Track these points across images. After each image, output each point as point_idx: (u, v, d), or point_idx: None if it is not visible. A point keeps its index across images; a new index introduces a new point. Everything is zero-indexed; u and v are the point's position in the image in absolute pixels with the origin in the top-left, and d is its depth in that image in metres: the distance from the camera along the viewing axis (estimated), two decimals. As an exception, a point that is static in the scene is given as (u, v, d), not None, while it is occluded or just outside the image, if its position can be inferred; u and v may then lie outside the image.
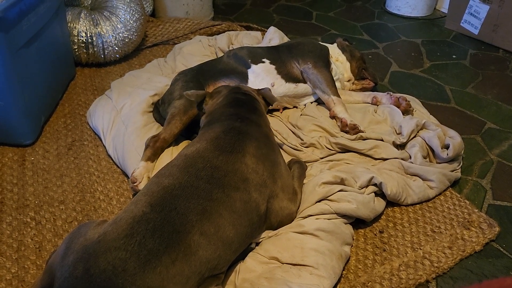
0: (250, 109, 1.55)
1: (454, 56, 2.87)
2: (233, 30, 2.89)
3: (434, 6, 3.46)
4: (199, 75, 2.02)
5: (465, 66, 2.76)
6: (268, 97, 1.72)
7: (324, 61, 2.12)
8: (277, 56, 2.12)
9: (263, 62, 2.07)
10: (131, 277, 1.08)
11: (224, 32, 2.88)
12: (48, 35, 2.07)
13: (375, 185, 1.66)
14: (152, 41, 2.81)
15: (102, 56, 2.50)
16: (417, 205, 1.74)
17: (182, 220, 1.19)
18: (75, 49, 2.45)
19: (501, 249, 1.58)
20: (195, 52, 2.47)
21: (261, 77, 2.04)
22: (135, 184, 1.61)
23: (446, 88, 2.53)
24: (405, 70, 2.71)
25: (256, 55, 2.10)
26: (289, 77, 2.08)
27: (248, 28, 2.99)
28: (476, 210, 1.71)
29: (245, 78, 2.04)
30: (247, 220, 1.32)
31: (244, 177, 1.33)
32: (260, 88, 1.93)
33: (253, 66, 2.06)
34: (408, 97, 2.21)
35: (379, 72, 2.66)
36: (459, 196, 1.78)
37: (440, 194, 1.78)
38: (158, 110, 1.99)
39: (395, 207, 1.72)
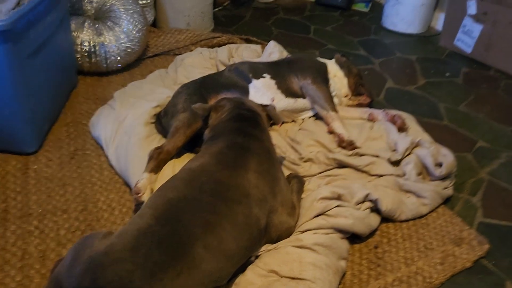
0: (253, 124, 1.60)
1: (447, 74, 2.94)
2: (233, 42, 2.95)
3: (429, 23, 3.55)
4: (201, 88, 2.07)
5: (458, 84, 2.84)
6: (273, 115, 1.77)
7: (322, 77, 2.18)
8: (277, 71, 2.17)
9: (264, 77, 2.13)
10: (137, 289, 1.12)
11: (224, 44, 2.93)
12: (53, 44, 2.11)
13: (371, 201, 1.72)
14: (153, 51, 2.85)
15: (105, 66, 2.54)
16: (411, 221, 1.79)
17: (187, 232, 1.24)
18: (78, 57, 2.49)
19: (491, 266, 1.64)
20: (197, 64, 2.52)
21: (262, 91, 2.10)
22: (138, 195, 1.65)
23: (439, 106, 2.60)
24: (400, 87, 2.78)
25: (257, 70, 2.16)
26: (289, 92, 2.14)
27: (248, 41, 3.04)
28: (467, 227, 1.77)
29: (246, 92, 2.09)
30: (248, 234, 1.37)
31: (246, 192, 1.38)
32: (262, 103, 2.00)
33: (254, 81, 2.11)
34: (404, 114, 2.27)
35: (375, 88, 2.72)
36: (451, 213, 1.84)
37: (432, 210, 1.84)
38: (160, 121, 2.03)
39: (389, 223, 1.78)
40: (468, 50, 3.13)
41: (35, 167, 1.93)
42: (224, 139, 1.51)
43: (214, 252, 1.26)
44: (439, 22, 3.53)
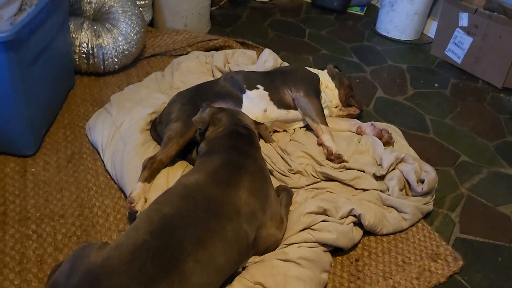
0: (248, 142, 1.68)
1: (436, 85, 3.03)
2: (229, 45, 3.00)
3: (422, 30, 3.62)
4: (196, 97, 2.13)
5: (446, 96, 2.93)
6: (264, 136, 1.86)
7: (315, 90, 2.25)
8: (271, 82, 2.24)
9: (258, 88, 2.19)
10: (132, 302, 1.21)
11: (220, 47, 2.99)
12: (53, 47, 2.16)
13: (354, 215, 1.81)
14: (150, 52, 2.90)
15: (102, 67, 2.58)
16: (392, 235, 1.89)
17: (179, 248, 1.32)
18: (76, 58, 2.53)
19: (464, 282, 1.74)
20: (193, 68, 2.57)
21: (255, 102, 2.16)
22: (132, 205, 1.73)
23: (426, 118, 2.69)
24: (389, 97, 2.86)
25: (251, 80, 2.22)
26: (281, 104, 2.21)
27: (243, 44, 3.10)
28: (444, 243, 1.88)
29: (239, 102, 2.16)
30: (237, 248, 1.46)
31: (237, 209, 1.46)
32: (253, 115, 2.08)
33: (248, 92, 2.18)
34: (391, 127, 2.37)
35: (365, 97, 2.80)
36: (429, 228, 1.94)
37: (413, 225, 1.94)
38: (156, 128, 2.10)
39: (371, 236, 1.87)
40: (458, 60, 3.22)
41: (33, 170, 2.00)
42: (219, 156, 1.58)
43: (204, 266, 1.34)
44: (431, 30, 3.60)
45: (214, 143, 1.67)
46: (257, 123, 1.88)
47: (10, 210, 1.80)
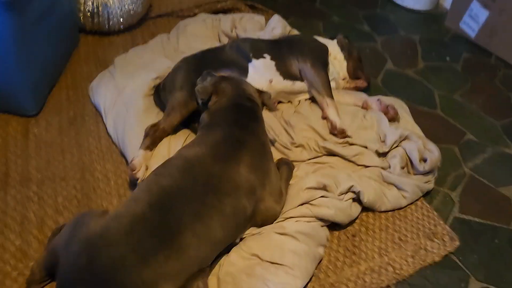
0: (251, 116, 1.66)
1: (448, 58, 2.95)
2: (237, 8, 2.93)
3: (438, 0, 3.50)
4: (201, 64, 2.09)
5: (457, 71, 2.86)
6: (268, 104, 1.82)
7: (322, 61, 2.20)
8: (277, 52, 2.19)
9: (264, 57, 2.15)
10: (128, 271, 1.23)
11: (229, 9, 2.91)
12: (57, 6, 2.12)
13: (354, 192, 1.81)
14: (156, 12, 2.83)
15: (107, 27, 2.54)
16: (390, 212, 1.89)
17: (177, 221, 1.33)
18: (80, 16, 2.48)
19: (458, 262, 1.76)
20: (198, 32, 2.51)
21: (261, 72, 2.12)
22: (133, 172, 1.73)
23: (434, 93, 2.64)
24: (399, 69, 2.80)
25: (258, 49, 2.17)
26: (287, 75, 2.17)
27: (252, 7, 3.01)
28: (442, 222, 1.88)
29: (245, 71, 2.12)
30: (235, 222, 1.47)
31: (236, 185, 1.46)
32: (258, 85, 2.04)
33: (254, 61, 2.13)
34: (398, 102, 2.33)
35: (373, 69, 2.74)
36: (428, 206, 1.94)
37: (412, 203, 1.94)
38: (159, 94, 2.08)
39: (369, 212, 1.88)
40: (472, 34, 3.12)
41: (35, 130, 2.00)
42: (221, 130, 1.57)
43: (201, 239, 1.36)
44: (447, 0, 3.47)
45: (216, 116, 1.65)
46: (260, 92, 1.85)
47: (12, 171, 1.81)
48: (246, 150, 1.53)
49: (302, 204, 1.71)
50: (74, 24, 2.43)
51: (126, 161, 1.90)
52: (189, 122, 2.00)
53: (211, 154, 1.49)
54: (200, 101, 1.76)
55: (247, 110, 1.68)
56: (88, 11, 2.45)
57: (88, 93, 2.21)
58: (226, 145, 1.52)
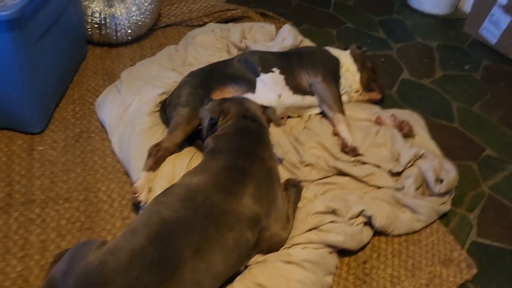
0: (256, 141, 1.59)
1: (466, 67, 2.84)
2: (247, 16, 2.86)
3: (457, 4, 3.37)
4: (207, 79, 2.03)
5: (476, 80, 2.75)
6: (273, 119, 1.75)
7: (333, 75, 2.13)
8: (287, 65, 2.12)
9: (273, 71, 2.08)
10: (125, 310, 1.18)
11: (239, 17, 2.85)
12: (63, 21, 2.08)
13: (365, 216, 1.74)
14: (165, 22, 2.78)
15: (114, 38, 2.50)
16: (403, 236, 1.81)
17: (177, 256, 1.28)
18: (88, 28, 2.44)
19: (475, 291, 1.68)
20: (207, 44, 2.46)
21: (269, 87, 2.06)
22: (135, 195, 1.69)
23: (452, 105, 2.53)
24: (415, 79, 2.70)
25: (267, 62, 2.10)
26: (297, 89, 2.10)
27: (263, 15, 2.94)
28: (459, 247, 1.79)
29: (253, 86, 2.05)
30: (237, 254, 1.41)
31: (240, 217, 1.40)
32: (266, 100, 1.98)
33: (262, 75, 2.06)
34: (413, 116, 2.24)
35: (389, 78, 2.65)
36: (444, 230, 1.85)
37: (427, 226, 1.86)
38: (165, 110, 2.03)
39: (381, 237, 1.80)
40: (493, 40, 3.00)
41: (40, 148, 1.97)
42: (224, 158, 1.51)
43: (202, 274, 1.30)
44: (467, 4, 3.35)
45: (220, 141, 1.59)
46: (264, 108, 1.78)
47: (15, 192, 1.78)
48: (250, 180, 1.47)
49: (310, 230, 1.65)
50: (82, 36, 2.40)
51: (131, 181, 1.85)
52: (193, 138, 1.94)
53: (214, 184, 1.43)
54: (209, 123, 1.69)
55: (252, 134, 1.61)
56: (96, 23, 2.41)
57: (94, 109, 2.17)
58: (229, 175, 1.46)
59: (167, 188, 1.49)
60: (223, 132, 1.62)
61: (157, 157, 1.79)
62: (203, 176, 1.45)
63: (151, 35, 2.70)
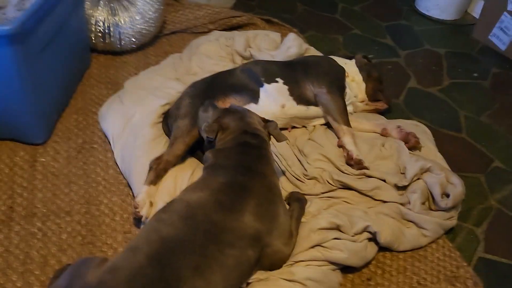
0: (257, 156, 1.57)
1: (475, 75, 2.79)
2: (253, 23, 2.84)
3: (465, 9, 3.32)
4: (209, 90, 2.01)
5: (485, 88, 2.70)
6: (275, 135, 1.72)
7: (338, 86, 2.10)
8: (291, 75, 2.09)
9: (277, 81, 2.05)
10: (123, 332, 1.17)
11: (244, 24, 2.83)
12: (66, 30, 2.07)
13: (370, 232, 1.71)
14: (170, 29, 2.76)
15: (119, 46, 2.48)
16: (409, 252, 1.78)
17: (176, 276, 1.26)
18: (92, 37, 2.43)
19: (482, 310, 1.64)
20: (211, 53, 2.44)
21: (273, 97, 2.03)
22: (136, 210, 1.67)
23: (460, 114, 2.49)
24: (422, 88, 2.65)
25: (270, 72, 2.08)
26: (301, 99, 2.07)
27: (269, 22, 2.92)
28: (465, 264, 1.76)
29: (256, 96, 2.03)
30: (238, 273, 1.39)
31: (240, 235, 1.38)
32: (269, 110, 1.96)
33: (266, 85, 2.04)
34: (420, 127, 2.21)
35: (395, 87, 2.61)
36: (450, 246, 1.82)
37: (433, 241, 1.82)
38: (167, 121, 2.01)
39: (386, 252, 1.77)
40: (502, 47, 2.95)
41: (43, 160, 1.96)
42: (225, 175, 1.48)
43: (202, 294, 1.28)
44: (476, 9, 3.30)
45: (220, 156, 1.56)
46: (266, 121, 1.76)
47: (17, 205, 1.78)
48: (251, 197, 1.45)
49: (313, 247, 1.62)
50: (85, 45, 2.39)
51: (133, 193, 1.84)
52: (196, 149, 1.92)
53: (214, 201, 1.41)
54: (206, 140, 1.68)
55: (253, 149, 1.58)
56: (99, 31, 2.40)
57: (97, 119, 2.16)
58: (230, 192, 1.44)
59: (167, 204, 1.48)
60: (223, 147, 1.60)
61: (158, 170, 1.77)
62: (203, 193, 1.43)
63: (156, 42, 2.69)
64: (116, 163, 1.97)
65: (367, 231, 1.71)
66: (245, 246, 1.38)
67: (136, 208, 1.67)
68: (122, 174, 1.93)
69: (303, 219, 1.72)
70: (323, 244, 1.63)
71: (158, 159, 1.79)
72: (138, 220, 1.73)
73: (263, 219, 1.44)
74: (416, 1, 3.39)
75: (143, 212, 1.67)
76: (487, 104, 2.58)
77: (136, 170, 1.84)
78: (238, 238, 1.37)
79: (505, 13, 2.86)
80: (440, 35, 3.15)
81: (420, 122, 2.31)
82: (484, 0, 3.08)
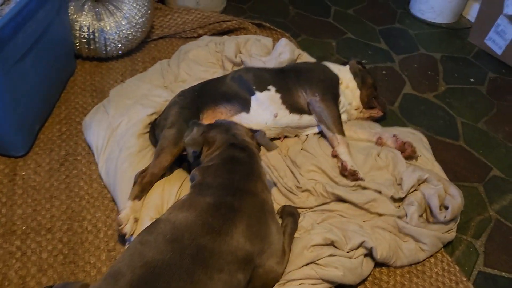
0: (247, 173, 1.48)
1: (471, 80, 2.73)
2: (244, 28, 2.75)
3: (461, 13, 3.26)
4: (198, 98, 1.93)
5: (481, 94, 2.64)
6: (264, 144, 1.64)
7: (332, 94, 2.02)
8: (283, 83, 2.02)
9: (269, 90, 1.98)
10: None
11: (235, 29, 2.75)
12: (48, 36, 1.97)
13: (365, 248, 1.64)
14: (158, 34, 2.68)
15: (104, 52, 2.40)
16: (406, 267, 1.71)
17: (160, 303, 1.18)
18: (76, 43, 2.34)
19: (482, 328, 1.57)
20: (201, 59, 2.35)
21: (265, 106, 1.96)
22: (120, 227, 1.58)
23: (457, 121, 2.43)
24: (418, 93, 2.59)
25: (262, 81, 2.00)
26: (294, 108, 1.99)
27: (260, 26, 2.84)
28: (465, 279, 1.69)
29: (247, 105, 1.95)
30: (228, 296, 1.31)
31: (230, 259, 1.29)
32: (261, 119, 1.89)
33: (257, 94, 1.96)
34: (416, 135, 2.14)
35: (390, 93, 2.55)
36: (449, 259, 1.75)
37: (431, 255, 1.75)
38: (155, 132, 1.93)
39: (383, 268, 1.70)
40: (498, 51, 2.89)
41: (23, 173, 1.87)
42: (213, 195, 1.39)
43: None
44: (471, 12, 3.25)
45: (208, 174, 1.47)
46: (253, 132, 1.68)
47: (-5, 222, 1.69)
48: (241, 217, 1.36)
49: (307, 264, 1.54)
50: (69, 51, 2.30)
51: (118, 208, 1.75)
52: (183, 160, 1.83)
53: (202, 223, 1.32)
54: (192, 155, 1.59)
55: (242, 165, 1.49)
56: (84, 37, 2.31)
57: (81, 129, 2.07)
58: (218, 214, 1.35)
59: (152, 224, 1.39)
60: (210, 164, 1.51)
61: (143, 184, 1.68)
62: (189, 213, 1.35)
63: (143, 48, 2.60)
64: (101, 176, 1.88)
65: (363, 247, 1.63)
66: (235, 270, 1.30)
67: (119, 225, 1.58)
68: (106, 188, 1.85)
69: (296, 234, 1.65)
70: (317, 262, 1.55)
71: (143, 172, 1.71)
72: (123, 237, 1.65)
73: (254, 240, 1.36)
74: (411, 4, 3.33)
75: (127, 229, 1.58)
76: (485, 110, 2.52)
77: (121, 184, 1.75)
78: (228, 262, 1.28)
79: (501, 16, 2.81)
80: (435, 39, 3.09)
81: (416, 129, 2.25)
82: (479, 3, 3.02)
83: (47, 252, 1.62)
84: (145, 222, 1.59)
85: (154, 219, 1.46)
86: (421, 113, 2.45)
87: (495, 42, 2.89)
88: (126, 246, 1.60)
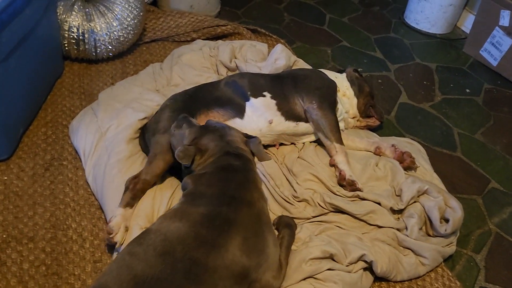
0: (242, 182, 1.40)
1: (467, 90, 2.70)
2: (238, 33, 2.70)
3: (455, 23, 3.25)
4: (191, 103, 1.86)
5: (477, 105, 2.61)
6: (257, 153, 1.57)
7: (330, 101, 1.97)
8: (279, 89, 1.95)
9: (264, 96, 1.91)
10: None
11: (229, 34, 2.69)
12: (35, 36, 1.89)
13: (365, 261, 1.57)
14: (150, 36, 2.61)
15: (94, 54, 2.31)
16: (406, 282, 1.65)
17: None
18: (65, 44, 2.26)
19: None
20: (194, 63, 2.28)
21: (260, 112, 1.89)
22: (110, 236, 1.49)
23: (454, 132, 2.39)
24: (414, 103, 2.55)
25: (257, 86, 1.94)
26: (290, 115, 1.93)
27: (255, 32, 2.78)
28: (466, 295, 1.64)
29: (241, 111, 1.89)
30: (222, 313, 1.23)
31: (225, 274, 1.21)
32: (256, 126, 1.83)
33: (252, 100, 1.90)
34: (414, 145, 2.10)
35: (386, 102, 2.51)
36: (450, 274, 1.69)
37: (431, 270, 1.69)
38: (145, 136, 1.84)
39: (382, 282, 1.63)
40: (494, 63, 2.87)
41: (5, 178, 1.78)
42: (207, 205, 1.31)
43: None
44: (466, 23, 3.23)
45: (201, 183, 1.39)
46: (247, 137, 1.61)
47: (-27, 229, 1.59)
48: (237, 230, 1.28)
49: (304, 279, 1.47)
50: (57, 52, 2.21)
51: (106, 217, 1.66)
52: (175, 167, 1.75)
53: (195, 236, 1.23)
54: (183, 166, 1.51)
55: (237, 173, 1.42)
56: (73, 38, 2.23)
57: (68, 133, 1.98)
58: (212, 226, 1.27)
59: (141, 233, 1.31)
60: (204, 172, 1.43)
61: (135, 191, 1.60)
62: (182, 224, 1.26)
63: (134, 50, 2.52)
64: (87, 183, 1.79)
65: (363, 260, 1.57)
66: (230, 286, 1.22)
67: (109, 233, 1.49)
68: (93, 195, 1.76)
69: (293, 247, 1.57)
70: (315, 276, 1.48)
71: (135, 178, 1.62)
72: (110, 247, 1.56)
73: (251, 254, 1.28)
74: (405, 14, 3.31)
75: (118, 238, 1.50)
76: (481, 121, 2.49)
77: (110, 191, 1.67)
78: (222, 278, 1.20)
79: (497, 28, 2.79)
80: (431, 49, 3.07)
81: (413, 139, 2.20)
82: (475, 14, 3.01)
83: (29, 263, 1.52)
84: (134, 232, 1.51)
85: (144, 229, 1.38)
86: (418, 123, 2.41)
87: (491, 54, 2.88)
88: (114, 257, 1.51)
